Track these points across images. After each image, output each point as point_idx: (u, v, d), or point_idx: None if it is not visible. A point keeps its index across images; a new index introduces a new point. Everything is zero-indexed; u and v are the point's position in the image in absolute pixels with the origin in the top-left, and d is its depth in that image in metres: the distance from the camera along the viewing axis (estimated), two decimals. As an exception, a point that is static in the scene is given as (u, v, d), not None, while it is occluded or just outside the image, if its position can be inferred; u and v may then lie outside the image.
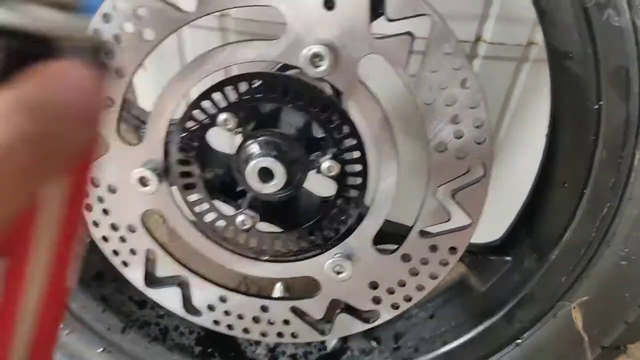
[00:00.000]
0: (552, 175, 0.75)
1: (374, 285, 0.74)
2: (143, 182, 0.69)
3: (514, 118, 1.04)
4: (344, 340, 0.92)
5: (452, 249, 0.70)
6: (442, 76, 0.60)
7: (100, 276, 0.89)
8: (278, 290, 0.85)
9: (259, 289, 0.94)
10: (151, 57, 0.64)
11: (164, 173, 0.69)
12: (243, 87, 0.64)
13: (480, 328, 0.86)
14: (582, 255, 0.73)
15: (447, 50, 0.59)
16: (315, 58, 0.60)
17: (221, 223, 0.71)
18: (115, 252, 0.76)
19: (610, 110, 0.65)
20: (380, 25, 0.60)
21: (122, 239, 0.74)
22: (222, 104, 0.65)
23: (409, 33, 0.59)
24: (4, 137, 0.24)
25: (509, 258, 0.83)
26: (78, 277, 0.87)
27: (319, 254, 0.73)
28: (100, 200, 0.72)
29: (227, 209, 0.72)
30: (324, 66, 0.59)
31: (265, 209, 0.72)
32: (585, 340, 0.76)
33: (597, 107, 0.66)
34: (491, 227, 0.83)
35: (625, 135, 0.65)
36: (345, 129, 0.64)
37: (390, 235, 0.73)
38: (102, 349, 0.89)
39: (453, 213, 0.68)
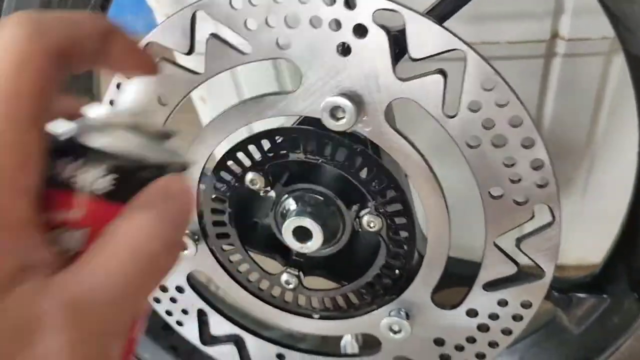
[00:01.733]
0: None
1: (439, 342, 0.66)
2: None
3: (611, 119, 0.89)
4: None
5: (525, 303, 0.60)
6: (485, 114, 0.51)
7: (169, 326, 0.88)
8: (348, 344, 0.78)
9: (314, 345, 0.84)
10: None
11: (202, 234, 0.66)
12: (266, 144, 0.59)
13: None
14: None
15: (488, 86, 0.50)
16: (336, 110, 0.53)
17: (266, 283, 0.67)
18: (169, 313, 0.74)
19: None
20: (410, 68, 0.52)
21: (173, 300, 0.73)
22: (247, 163, 0.60)
23: (440, 71, 0.51)
24: (155, 246, 0.30)
25: (605, 296, 0.71)
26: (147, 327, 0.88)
27: (374, 309, 0.66)
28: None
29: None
30: (345, 118, 0.52)
31: (312, 265, 0.67)
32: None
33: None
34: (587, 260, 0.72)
35: None
36: (383, 181, 0.57)
37: (457, 278, 0.64)
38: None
39: (522, 263, 0.58)
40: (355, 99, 0.52)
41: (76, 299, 0.27)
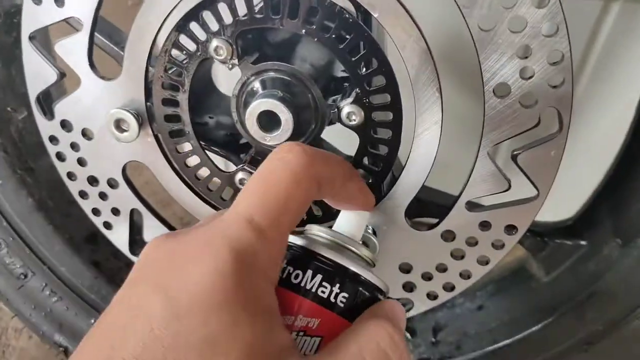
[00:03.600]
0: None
1: (406, 269, 0.59)
2: (120, 126, 0.56)
3: (598, 68, 0.84)
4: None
5: (510, 228, 0.54)
6: (507, -9, 0.43)
7: (94, 238, 0.77)
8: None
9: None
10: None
11: (146, 116, 0.56)
12: (241, 6, 0.49)
13: (539, 326, 0.70)
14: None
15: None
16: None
17: (217, 181, 0.58)
18: (96, 212, 0.63)
19: None
20: None
21: (102, 196, 0.62)
22: (214, 27, 0.50)
23: None
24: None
25: (584, 242, 0.66)
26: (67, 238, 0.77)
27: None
28: (74, 147, 0.59)
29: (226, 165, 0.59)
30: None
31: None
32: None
33: None
34: (561, 202, 0.66)
35: None
36: (373, 63, 0.49)
37: (430, 206, 0.57)
38: (94, 320, 0.79)
39: (514, 181, 0.51)
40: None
41: None
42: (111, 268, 0.78)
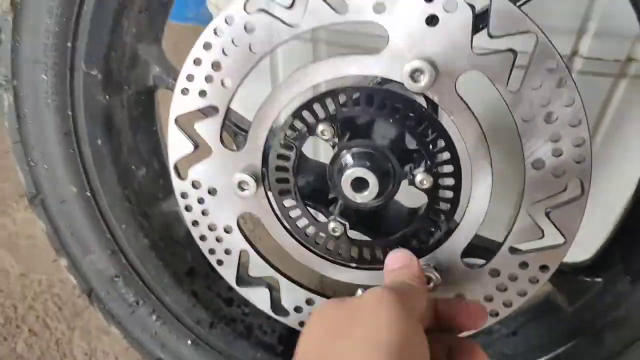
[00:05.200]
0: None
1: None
2: (241, 186, 0.72)
3: (608, 134, 1.01)
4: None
5: (543, 267, 0.69)
6: (544, 93, 0.60)
7: (193, 273, 0.93)
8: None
9: (333, 293, 0.95)
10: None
11: (261, 178, 0.72)
12: (343, 99, 0.66)
13: (563, 348, 0.84)
14: (682, 280, 0.70)
15: (551, 67, 0.59)
16: (416, 73, 0.61)
17: (313, 229, 0.74)
18: (211, 251, 0.80)
19: None
20: (482, 41, 0.60)
21: (218, 239, 0.78)
22: (321, 115, 0.67)
23: (511, 50, 0.60)
24: None
25: (599, 279, 0.81)
26: (173, 272, 0.92)
27: (407, 264, 0.74)
28: (200, 201, 0.76)
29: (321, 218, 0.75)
30: (424, 81, 0.60)
31: (356, 217, 0.74)
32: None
33: None
34: (582, 246, 0.82)
35: None
36: (441, 143, 0.65)
37: (480, 249, 0.73)
38: (190, 342, 0.94)
39: (546, 231, 0.67)
40: (434, 65, 0.61)
41: None
42: (206, 297, 0.94)
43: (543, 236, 0.68)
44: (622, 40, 0.89)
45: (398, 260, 0.66)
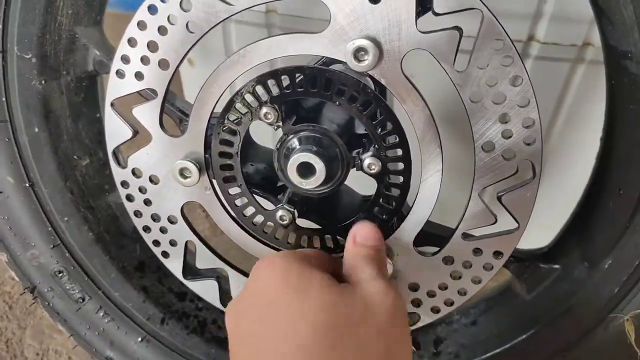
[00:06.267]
0: (606, 181, 0.72)
1: (414, 287, 0.72)
2: (184, 173, 0.69)
3: (567, 121, 1.00)
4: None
5: (497, 253, 0.67)
6: (491, 73, 0.58)
7: (142, 267, 0.90)
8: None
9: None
10: (197, 52, 0.64)
11: (204, 165, 0.69)
12: (286, 81, 0.63)
13: (523, 337, 0.82)
14: (636, 265, 0.69)
15: (497, 47, 0.57)
16: (360, 52, 0.58)
17: (260, 218, 0.71)
18: (156, 243, 0.76)
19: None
20: (428, 21, 0.58)
21: (163, 230, 0.75)
22: (264, 97, 0.64)
23: (457, 28, 0.57)
24: None
25: (557, 266, 0.79)
26: (121, 267, 0.89)
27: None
28: (142, 190, 0.72)
29: (267, 205, 0.72)
30: (368, 60, 0.58)
31: (305, 205, 0.71)
32: (638, 355, 0.72)
33: (658, 109, 0.62)
34: (539, 234, 0.80)
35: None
36: (389, 126, 0.63)
37: (433, 236, 0.71)
38: (141, 339, 0.90)
39: (499, 216, 0.65)
40: (377, 44, 0.58)
41: None
42: (157, 292, 0.90)
43: (496, 221, 0.66)
44: (577, 24, 0.88)
45: (370, 238, 0.65)
